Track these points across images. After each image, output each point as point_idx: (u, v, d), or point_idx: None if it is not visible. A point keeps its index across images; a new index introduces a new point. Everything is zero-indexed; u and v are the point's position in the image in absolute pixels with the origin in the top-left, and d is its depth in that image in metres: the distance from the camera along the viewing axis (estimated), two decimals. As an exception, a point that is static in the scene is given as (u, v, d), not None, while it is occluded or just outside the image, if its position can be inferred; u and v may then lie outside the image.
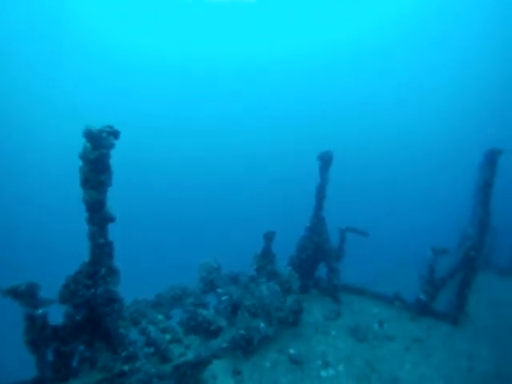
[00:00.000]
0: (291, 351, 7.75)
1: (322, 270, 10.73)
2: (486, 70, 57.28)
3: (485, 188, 9.15)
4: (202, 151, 65.13)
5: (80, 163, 5.23)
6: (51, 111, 62.13)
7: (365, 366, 7.60)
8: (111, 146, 5.26)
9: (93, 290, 5.60)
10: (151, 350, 6.73)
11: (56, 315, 5.57)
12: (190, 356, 6.59)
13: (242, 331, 7.29)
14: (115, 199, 5.81)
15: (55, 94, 62.02)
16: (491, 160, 8.91)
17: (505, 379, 7.53)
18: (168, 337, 7.16)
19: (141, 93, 68.28)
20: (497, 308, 11.04)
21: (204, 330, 7.57)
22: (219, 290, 8.34)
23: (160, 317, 7.63)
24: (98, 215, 5.44)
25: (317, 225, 10.18)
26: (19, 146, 55.07)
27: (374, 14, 59.03)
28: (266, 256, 9.32)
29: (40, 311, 5.30)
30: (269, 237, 9.35)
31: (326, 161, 9.74)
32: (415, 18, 56.81)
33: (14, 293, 5.16)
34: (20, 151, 54.74)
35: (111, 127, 5.26)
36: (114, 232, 5.85)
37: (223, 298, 8.08)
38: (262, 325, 7.44)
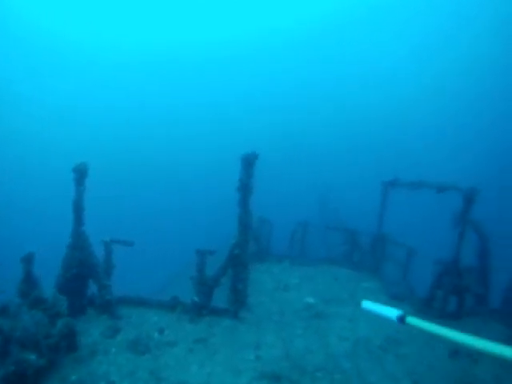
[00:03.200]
0: (73, 378, 7.24)
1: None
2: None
3: (242, 189, 9.95)
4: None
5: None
6: None
7: (149, 378, 7.47)
8: None
9: None
10: None
11: None
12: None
13: (11, 367, 6.43)
14: None
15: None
16: (248, 163, 9.80)
17: (293, 359, 8.22)
18: None
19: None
20: (277, 293, 12.04)
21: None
22: None
23: None
24: None
25: (78, 241, 9.70)
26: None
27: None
28: (28, 281, 8.47)
29: None
30: (27, 259, 8.52)
31: (81, 173, 9.45)
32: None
33: None
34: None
35: None
36: None
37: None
38: (32, 357, 6.69)
